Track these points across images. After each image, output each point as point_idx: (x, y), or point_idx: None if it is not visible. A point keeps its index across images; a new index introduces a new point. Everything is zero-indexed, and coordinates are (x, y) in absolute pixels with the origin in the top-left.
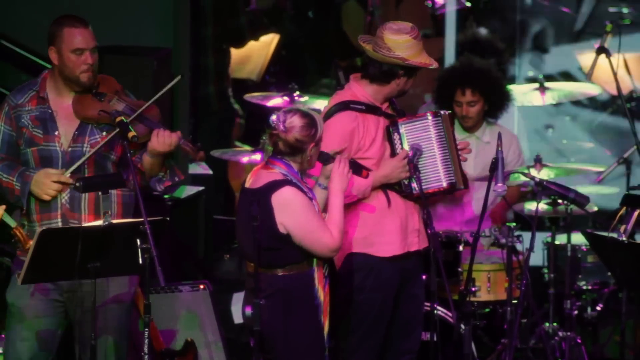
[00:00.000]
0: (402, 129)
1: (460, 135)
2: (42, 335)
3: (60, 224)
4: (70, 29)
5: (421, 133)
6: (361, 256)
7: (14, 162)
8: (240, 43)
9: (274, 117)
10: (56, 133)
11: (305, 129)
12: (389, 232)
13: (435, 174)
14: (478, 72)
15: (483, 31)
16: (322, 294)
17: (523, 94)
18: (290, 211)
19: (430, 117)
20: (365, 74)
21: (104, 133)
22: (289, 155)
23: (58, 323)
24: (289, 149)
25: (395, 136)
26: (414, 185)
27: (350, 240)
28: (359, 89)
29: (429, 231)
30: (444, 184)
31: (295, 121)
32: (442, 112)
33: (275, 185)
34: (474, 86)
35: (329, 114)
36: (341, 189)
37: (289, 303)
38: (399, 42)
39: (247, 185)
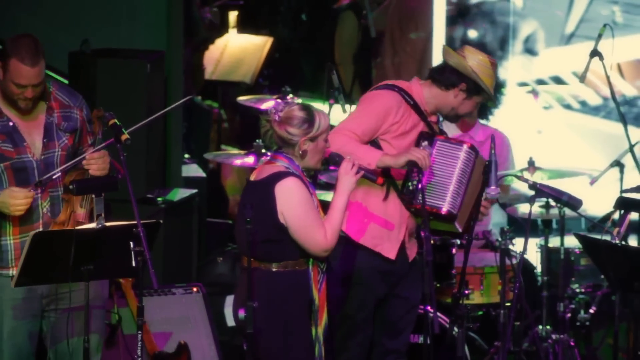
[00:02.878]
0: (438, 144)
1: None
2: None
3: None
4: (17, 64)
5: (450, 157)
6: (347, 245)
7: None
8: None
9: (273, 105)
10: (25, 144)
11: (298, 123)
12: (391, 227)
13: (440, 194)
14: None
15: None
16: (316, 295)
17: (514, 97)
18: (291, 201)
19: (465, 147)
20: (430, 73)
21: (68, 134)
22: (284, 147)
23: (36, 326)
24: (280, 140)
25: (425, 144)
26: (419, 197)
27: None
28: (417, 88)
29: (423, 234)
30: (444, 208)
31: (291, 113)
32: (480, 155)
33: (279, 176)
34: None
35: (377, 87)
36: (346, 189)
37: (282, 301)
38: (477, 57)
39: (251, 179)
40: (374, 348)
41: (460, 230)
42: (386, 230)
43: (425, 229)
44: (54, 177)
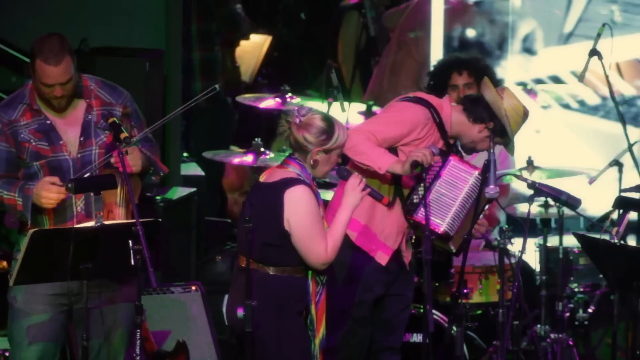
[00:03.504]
0: (449, 162)
1: None
2: (48, 336)
3: None
4: (41, 64)
5: (459, 180)
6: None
7: (13, 178)
8: (236, 33)
9: (296, 108)
10: (61, 142)
11: (317, 132)
12: (389, 234)
13: (442, 214)
14: (471, 58)
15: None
16: (313, 305)
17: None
18: (299, 210)
19: (476, 174)
20: (464, 101)
21: (107, 132)
22: (298, 152)
23: (63, 325)
24: (295, 143)
25: (436, 159)
26: (421, 210)
27: (359, 227)
28: (448, 108)
29: (426, 233)
30: (442, 228)
31: (312, 121)
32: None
33: (290, 182)
34: (469, 69)
35: (409, 99)
36: (351, 205)
37: (277, 305)
38: (513, 102)
39: (261, 180)
40: (371, 345)
41: (453, 250)
42: (383, 237)
43: (426, 229)
44: (86, 175)
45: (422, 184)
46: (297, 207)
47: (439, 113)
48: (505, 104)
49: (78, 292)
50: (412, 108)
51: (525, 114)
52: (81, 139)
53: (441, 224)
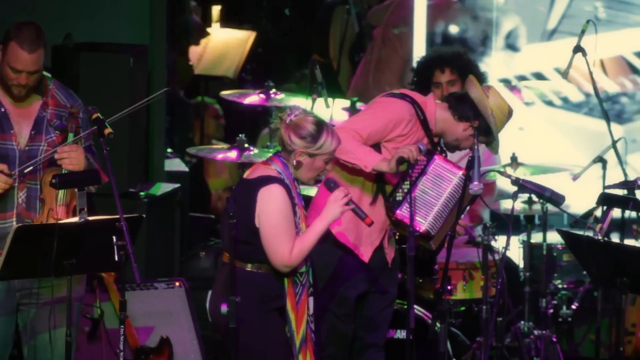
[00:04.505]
0: (433, 161)
1: None
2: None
3: (14, 224)
4: (15, 47)
5: (443, 179)
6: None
7: None
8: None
9: (291, 106)
10: (12, 132)
11: (304, 134)
12: (371, 230)
13: (424, 213)
14: (454, 54)
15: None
16: (290, 304)
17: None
18: (268, 207)
19: (460, 174)
20: (449, 98)
21: (57, 132)
22: (283, 150)
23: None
24: (282, 142)
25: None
26: (405, 207)
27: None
28: (432, 106)
29: (410, 229)
30: (423, 227)
31: (302, 122)
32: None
33: (267, 180)
34: (452, 66)
35: (394, 94)
36: (329, 217)
37: (253, 301)
38: (498, 101)
39: (245, 176)
40: (354, 343)
41: (433, 248)
42: (366, 233)
43: (410, 226)
44: (30, 168)
45: (405, 181)
46: (268, 204)
47: (424, 110)
48: (491, 102)
49: (20, 288)
50: (397, 103)
51: (509, 113)
52: (32, 132)
53: (423, 222)
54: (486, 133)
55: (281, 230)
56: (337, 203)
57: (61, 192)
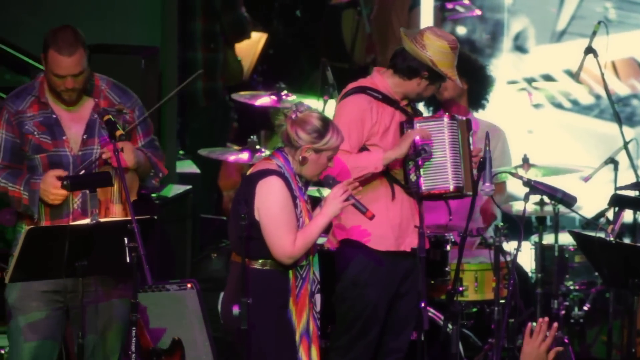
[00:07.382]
0: (417, 126)
1: None
2: (43, 333)
3: None
4: (54, 54)
5: (435, 134)
6: (356, 248)
7: (17, 170)
8: (241, 36)
9: (296, 103)
10: (64, 138)
11: (310, 129)
12: (386, 226)
13: (443, 175)
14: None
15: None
16: (292, 299)
17: (504, 95)
18: (267, 199)
19: (446, 120)
20: (391, 64)
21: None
22: (287, 146)
23: (59, 322)
24: (287, 138)
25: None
26: (422, 182)
27: (347, 224)
28: (380, 79)
29: (420, 230)
30: (451, 187)
31: (308, 118)
32: (459, 117)
33: (265, 173)
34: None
35: (343, 97)
36: (330, 213)
37: (259, 299)
38: (436, 44)
39: (247, 173)
40: (378, 348)
41: (470, 194)
42: (393, 225)
43: (420, 227)
44: (82, 172)
45: (409, 161)
46: (267, 196)
47: (376, 88)
48: (429, 50)
49: (73, 290)
50: (349, 101)
51: (452, 48)
52: (84, 136)
53: (448, 183)
54: (440, 77)
55: (282, 220)
56: (337, 199)
57: (116, 191)
